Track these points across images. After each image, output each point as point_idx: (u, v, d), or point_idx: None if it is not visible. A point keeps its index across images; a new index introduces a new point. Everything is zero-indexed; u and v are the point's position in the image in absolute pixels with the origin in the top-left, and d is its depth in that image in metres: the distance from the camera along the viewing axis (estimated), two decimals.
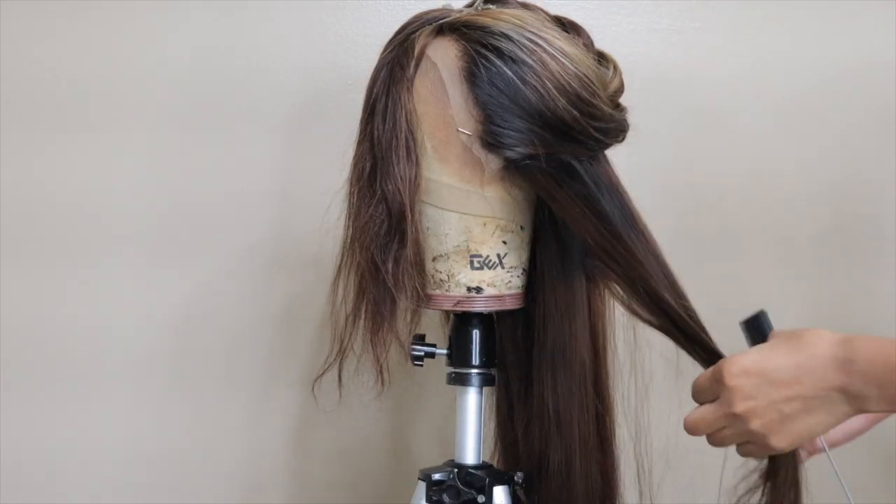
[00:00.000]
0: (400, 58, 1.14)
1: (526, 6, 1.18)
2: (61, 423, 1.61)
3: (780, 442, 1.04)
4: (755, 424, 1.04)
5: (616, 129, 1.16)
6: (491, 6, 1.16)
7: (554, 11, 1.19)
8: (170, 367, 1.62)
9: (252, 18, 1.60)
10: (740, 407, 1.04)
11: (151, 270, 1.61)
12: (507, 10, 1.15)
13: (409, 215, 1.13)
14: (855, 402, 1.00)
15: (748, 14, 1.64)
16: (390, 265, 1.14)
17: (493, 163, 1.13)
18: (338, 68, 1.60)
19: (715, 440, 1.09)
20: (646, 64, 1.63)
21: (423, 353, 1.22)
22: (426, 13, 1.17)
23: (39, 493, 1.60)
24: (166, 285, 1.61)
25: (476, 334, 1.22)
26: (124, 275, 1.62)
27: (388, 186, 1.13)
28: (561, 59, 1.10)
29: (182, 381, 1.63)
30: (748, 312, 1.09)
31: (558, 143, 1.11)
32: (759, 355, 1.05)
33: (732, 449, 1.10)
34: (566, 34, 1.15)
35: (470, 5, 1.18)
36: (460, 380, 1.22)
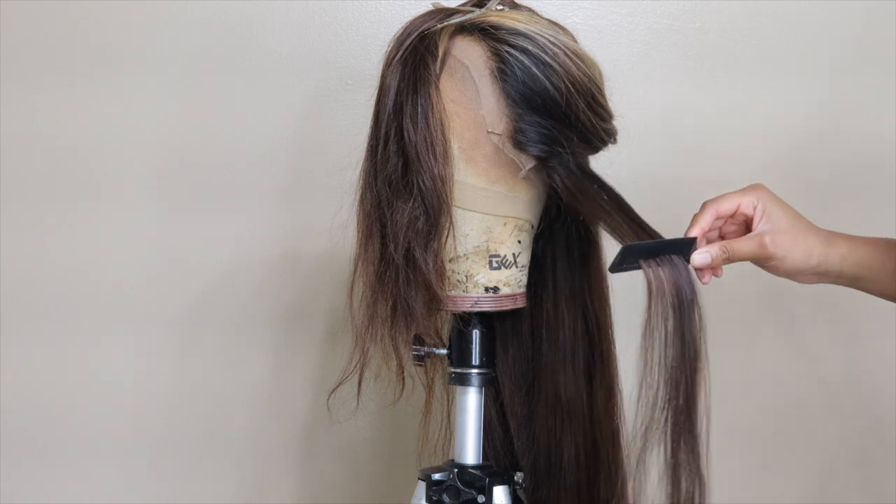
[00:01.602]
0: (424, 56, 1.13)
1: (531, 11, 1.18)
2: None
3: None
4: None
5: (613, 131, 1.18)
6: (504, 7, 1.16)
7: (554, 11, 1.20)
8: (175, 366, 1.63)
9: (252, 19, 1.60)
10: None
11: (159, 269, 1.62)
12: (521, 14, 1.15)
13: (449, 209, 1.13)
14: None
15: (748, 14, 1.64)
16: (430, 261, 1.13)
17: (527, 163, 1.13)
18: (338, 68, 1.60)
19: None
20: (646, 64, 1.63)
21: (423, 353, 1.23)
22: (431, 13, 1.16)
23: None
24: (173, 284, 1.62)
25: (476, 334, 1.22)
26: (127, 275, 1.62)
27: (426, 184, 1.12)
28: (578, 62, 1.12)
29: (186, 379, 1.63)
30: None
31: (575, 143, 1.13)
32: None
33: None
34: (572, 37, 1.16)
35: (475, 5, 1.18)
36: (460, 380, 1.22)
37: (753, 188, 1.17)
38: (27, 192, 1.59)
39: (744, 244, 1.14)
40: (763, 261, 1.16)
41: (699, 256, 1.11)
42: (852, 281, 1.18)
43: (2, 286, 1.59)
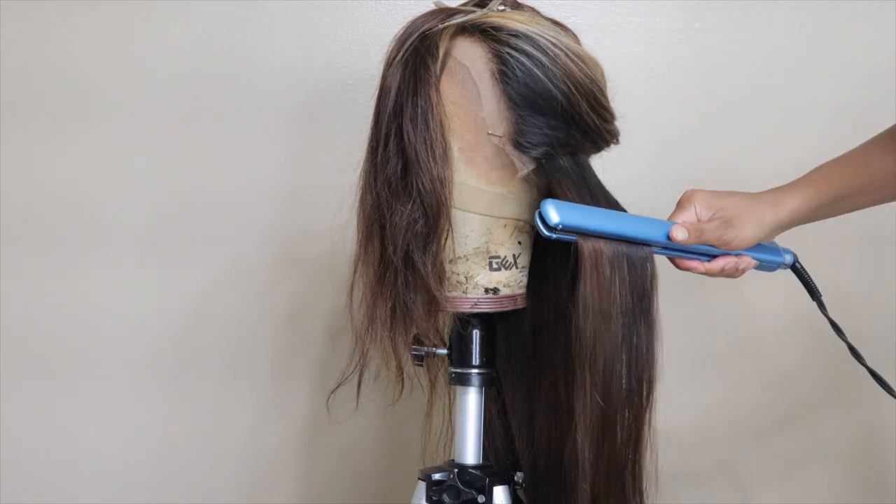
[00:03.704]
0: (424, 57, 1.12)
1: (534, 10, 1.18)
2: (60, 423, 1.61)
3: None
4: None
5: (616, 132, 1.18)
6: (505, 8, 1.16)
7: (555, 11, 1.20)
8: (175, 367, 1.63)
9: (252, 19, 1.60)
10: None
11: (159, 270, 1.62)
12: (522, 14, 1.15)
13: (447, 212, 1.12)
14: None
15: (748, 14, 1.64)
16: (429, 263, 1.13)
17: (527, 165, 1.13)
18: (338, 68, 1.60)
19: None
20: (646, 64, 1.63)
21: (423, 353, 1.22)
22: (433, 13, 1.16)
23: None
24: (173, 285, 1.62)
25: (476, 334, 1.22)
26: (130, 274, 1.62)
27: (425, 186, 1.11)
28: (580, 63, 1.12)
29: (187, 380, 1.63)
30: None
31: (579, 144, 1.14)
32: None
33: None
34: (574, 38, 1.16)
35: (477, 5, 1.17)
36: (461, 380, 1.22)
37: (685, 201, 1.20)
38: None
39: (707, 224, 1.18)
40: (725, 238, 1.18)
41: (677, 229, 1.15)
42: (810, 219, 1.25)
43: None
